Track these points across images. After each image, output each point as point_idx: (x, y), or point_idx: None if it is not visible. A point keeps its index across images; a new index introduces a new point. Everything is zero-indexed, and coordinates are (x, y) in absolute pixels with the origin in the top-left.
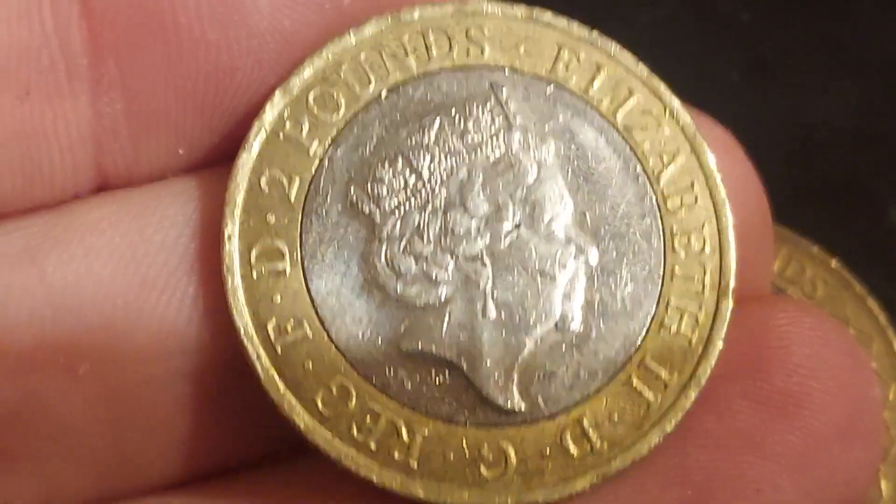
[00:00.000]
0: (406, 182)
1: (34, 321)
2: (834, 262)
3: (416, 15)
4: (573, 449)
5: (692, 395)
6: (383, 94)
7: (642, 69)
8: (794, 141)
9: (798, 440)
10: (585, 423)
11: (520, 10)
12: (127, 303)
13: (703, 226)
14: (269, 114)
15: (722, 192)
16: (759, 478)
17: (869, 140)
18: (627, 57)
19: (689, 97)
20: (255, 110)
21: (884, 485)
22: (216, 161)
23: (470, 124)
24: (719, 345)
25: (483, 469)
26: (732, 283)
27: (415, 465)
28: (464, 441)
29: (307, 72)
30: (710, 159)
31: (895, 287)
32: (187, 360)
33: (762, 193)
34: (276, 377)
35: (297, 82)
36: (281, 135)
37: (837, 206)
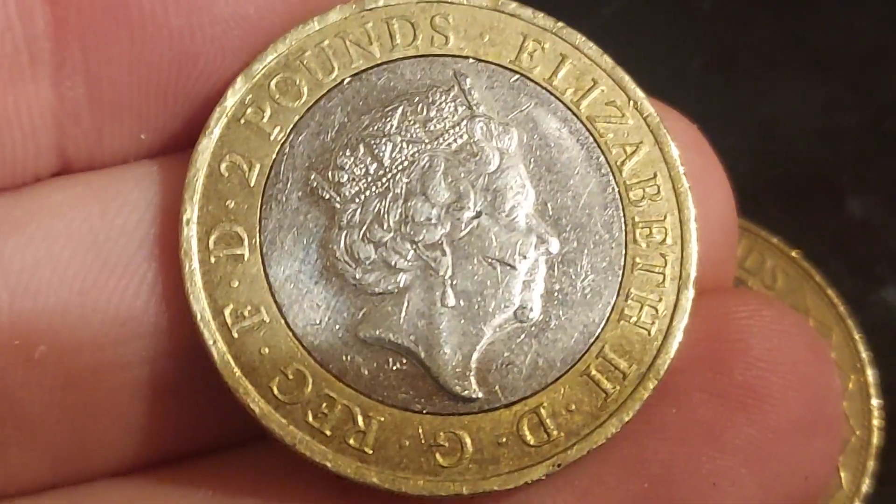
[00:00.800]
0: (367, 169)
1: None
2: (794, 253)
3: (381, 2)
4: (530, 438)
5: (650, 385)
6: (346, 81)
7: (607, 60)
8: (755, 133)
9: (757, 433)
10: (543, 412)
11: (485, 0)
12: (85, 287)
13: (664, 217)
14: (231, 99)
15: (684, 183)
16: (716, 471)
17: (831, 133)
18: (592, 48)
19: (651, 88)
20: (218, 97)
21: (843, 475)
22: (178, 147)
23: (433, 112)
24: (679, 336)
25: (438, 457)
26: (693, 274)
27: (370, 451)
28: (420, 429)
29: (270, 58)
30: (674, 151)
31: (855, 278)
32: (145, 345)
33: (727, 186)
34: (232, 362)
35: (259, 68)
36: (242, 120)
37: (798, 199)
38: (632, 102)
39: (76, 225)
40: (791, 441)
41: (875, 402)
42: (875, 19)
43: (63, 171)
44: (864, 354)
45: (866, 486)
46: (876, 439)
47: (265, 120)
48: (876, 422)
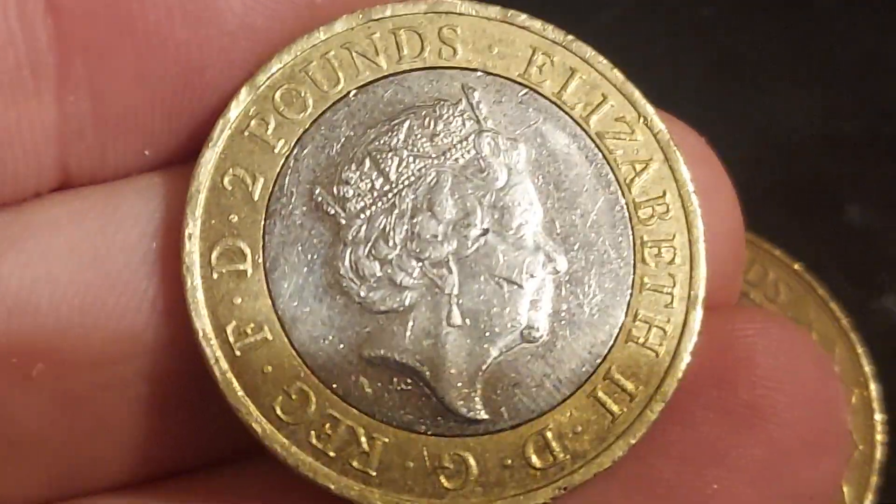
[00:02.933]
0: (373, 184)
1: None
2: (797, 266)
3: (388, 13)
4: (535, 460)
5: (658, 408)
6: (352, 93)
7: (617, 75)
8: (754, 140)
9: (762, 453)
10: (549, 434)
11: (494, 11)
12: (84, 305)
13: (673, 236)
14: (235, 111)
15: (694, 202)
16: (722, 490)
17: (830, 140)
18: (602, 62)
19: (649, 95)
20: (224, 110)
21: (846, 490)
22: (182, 160)
23: (440, 126)
24: (687, 358)
25: (443, 479)
26: (702, 295)
27: (374, 473)
28: (424, 450)
29: (274, 68)
30: (683, 169)
31: (855, 286)
32: (145, 362)
33: (736, 204)
34: (234, 381)
35: (263, 79)
36: (246, 133)
37: (797, 207)
38: (641, 118)
39: (76, 241)
40: (796, 460)
41: (878, 416)
42: (874, 26)
43: (63, 186)
44: (867, 368)
45: (869, 501)
46: (879, 454)
47: (269, 132)
48: (879, 436)
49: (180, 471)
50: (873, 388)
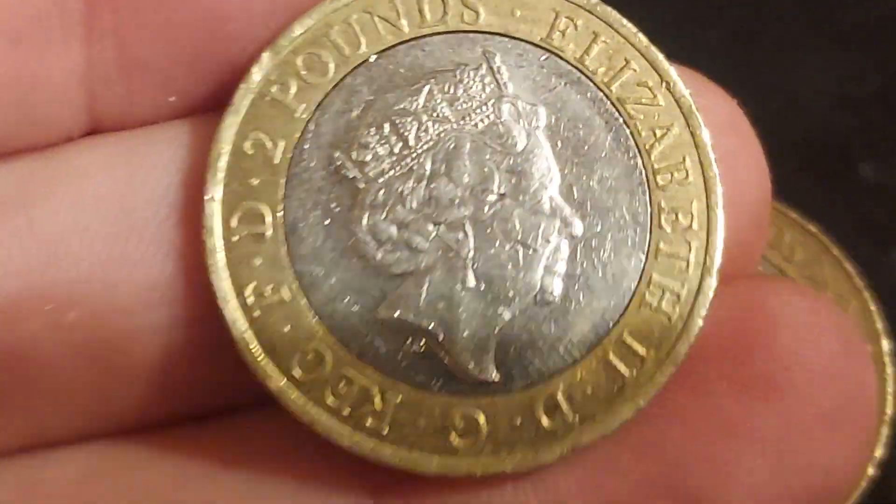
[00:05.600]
0: (392, 149)
1: (22, 268)
2: (812, 227)
3: None
4: (545, 420)
5: (668, 371)
6: (373, 57)
7: (641, 39)
8: (768, 102)
9: (776, 425)
10: (559, 395)
11: None
12: (112, 255)
13: (691, 202)
14: (256, 75)
15: (714, 168)
16: (732, 460)
17: (844, 101)
18: (626, 26)
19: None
20: (248, 61)
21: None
22: (208, 109)
23: (460, 91)
24: (699, 323)
25: (454, 437)
26: (718, 262)
27: (386, 431)
28: (436, 409)
29: (296, 33)
30: (704, 134)
31: (868, 242)
32: (170, 312)
33: (765, 170)
34: (252, 341)
35: (285, 43)
36: (268, 98)
37: (812, 166)
38: (664, 83)
39: (105, 190)
40: (813, 436)
41: (890, 370)
42: None
43: (94, 131)
44: (880, 325)
45: (879, 453)
46: (890, 408)
47: (290, 97)
48: (890, 389)
49: (200, 415)
50: (885, 343)
